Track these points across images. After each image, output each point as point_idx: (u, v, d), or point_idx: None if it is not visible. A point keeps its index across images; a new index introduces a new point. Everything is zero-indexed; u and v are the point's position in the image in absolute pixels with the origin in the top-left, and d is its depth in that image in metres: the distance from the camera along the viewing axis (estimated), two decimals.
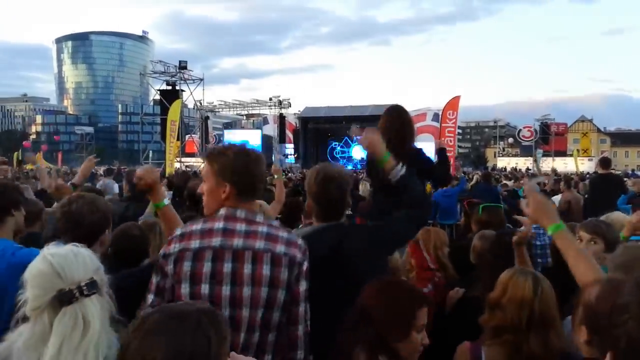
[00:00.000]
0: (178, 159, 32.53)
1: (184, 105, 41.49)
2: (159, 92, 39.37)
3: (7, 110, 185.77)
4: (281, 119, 49.24)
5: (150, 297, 2.47)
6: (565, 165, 50.94)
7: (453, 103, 23.29)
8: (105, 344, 1.78)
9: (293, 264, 2.48)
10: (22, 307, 1.81)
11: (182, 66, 39.12)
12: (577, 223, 4.15)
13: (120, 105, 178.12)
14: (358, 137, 40.88)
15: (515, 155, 71.28)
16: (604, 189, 9.81)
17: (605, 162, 10.93)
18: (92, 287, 1.83)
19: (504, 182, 16.61)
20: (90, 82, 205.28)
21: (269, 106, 52.32)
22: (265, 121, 56.66)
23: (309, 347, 2.53)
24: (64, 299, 1.78)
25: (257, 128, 58.40)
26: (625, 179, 19.38)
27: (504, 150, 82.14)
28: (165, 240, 2.84)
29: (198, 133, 48.39)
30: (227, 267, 2.42)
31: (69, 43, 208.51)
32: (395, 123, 4.91)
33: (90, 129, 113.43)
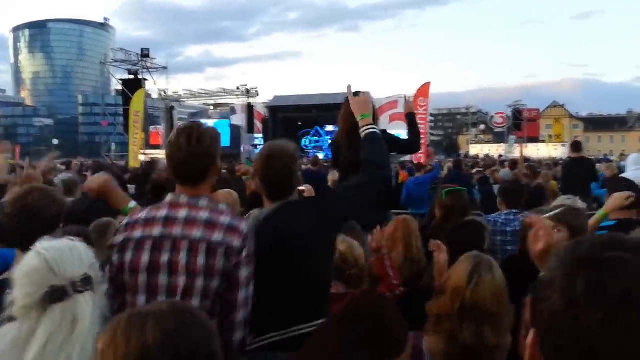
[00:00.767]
0: (142, 151, 32.19)
1: (148, 95, 41.13)
2: (120, 81, 38.90)
3: None
4: (249, 108, 48.91)
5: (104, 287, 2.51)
6: (537, 151, 51.61)
7: (423, 90, 23.35)
8: (92, 343, 1.72)
9: (231, 253, 2.49)
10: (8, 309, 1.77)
11: (145, 54, 38.69)
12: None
13: (80, 96, 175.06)
14: (328, 128, 40.65)
15: (488, 142, 72.10)
16: (577, 172, 10.00)
17: (576, 146, 11.20)
18: (86, 283, 1.81)
19: (477, 169, 16.76)
20: (48, 72, 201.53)
21: (237, 95, 51.92)
22: (232, 111, 56.28)
23: (250, 328, 2.57)
24: (55, 295, 1.75)
25: (225, 118, 57.93)
26: (597, 164, 19.77)
27: (476, 137, 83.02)
28: None
29: (163, 124, 47.95)
30: (164, 257, 2.48)
31: (26, 32, 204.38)
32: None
33: (49, 121, 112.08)
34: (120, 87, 39.55)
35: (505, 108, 63.07)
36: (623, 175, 9.46)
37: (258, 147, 51.66)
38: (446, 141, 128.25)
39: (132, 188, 9.51)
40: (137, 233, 2.55)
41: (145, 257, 2.49)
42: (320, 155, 28.24)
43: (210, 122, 57.72)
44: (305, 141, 52.84)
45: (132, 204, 3.13)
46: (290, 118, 52.55)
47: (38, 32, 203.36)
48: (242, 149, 46.69)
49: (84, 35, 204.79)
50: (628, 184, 4.74)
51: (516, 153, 45.56)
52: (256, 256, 2.63)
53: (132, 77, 37.92)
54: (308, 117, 51.03)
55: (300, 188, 4.78)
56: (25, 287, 1.75)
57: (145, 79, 38.85)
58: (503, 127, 61.25)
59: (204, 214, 2.55)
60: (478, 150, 62.25)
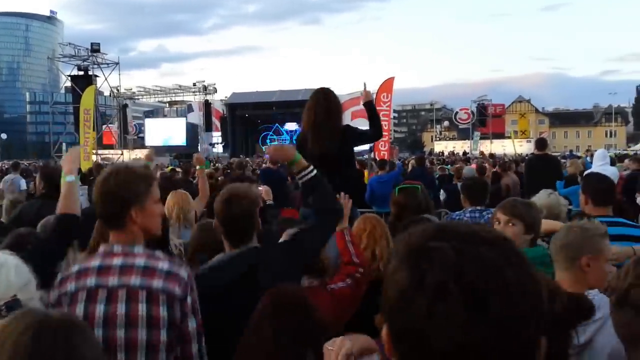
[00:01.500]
0: (95, 151, 31.71)
1: (99, 93, 40.55)
2: (69, 78, 38.27)
3: None
4: (207, 105, 48.64)
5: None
6: (503, 147, 52.29)
7: (387, 85, 23.43)
8: None
9: (173, 301, 2.41)
10: None
11: (95, 49, 38.04)
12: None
13: (27, 94, 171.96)
14: (289, 125, 40.72)
15: (453, 139, 72.75)
16: (541, 170, 10.16)
17: (541, 143, 11.36)
18: (11, 308, 1.74)
19: (441, 166, 16.97)
20: None
21: (193, 92, 51.65)
22: (189, 108, 55.84)
23: None
24: None
25: (182, 116, 57.57)
26: (563, 160, 20.11)
27: (440, 134, 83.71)
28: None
29: (116, 123, 47.38)
30: (99, 309, 2.39)
31: None
32: (322, 105, 5.16)
33: None
34: (69, 83, 38.91)
35: (470, 103, 63.82)
36: (590, 170, 9.67)
37: (215, 145, 51.50)
38: (410, 138, 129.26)
39: (83, 190, 9.38)
40: (70, 286, 2.45)
41: (79, 310, 2.39)
42: None
43: (166, 121, 57.33)
44: (265, 139, 52.80)
45: (72, 178, 3.13)
46: (249, 116, 52.45)
47: None
48: (199, 148, 46.35)
49: (30, 30, 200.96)
50: (600, 180, 4.84)
51: (482, 149, 46.20)
52: (215, 297, 2.66)
53: (81, 73, 37.30)
54: (268, 114, 50.98)
55: (259, 188, 4.80)
56: None
57: (96, 75, 38.25)
58: (468, 123, 61.94)
59: (140, 261, 2.47)
60: (443, 147, 62.82)
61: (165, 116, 61.44)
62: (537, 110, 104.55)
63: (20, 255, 2.21)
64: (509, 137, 56.16)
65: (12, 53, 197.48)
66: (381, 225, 4.20)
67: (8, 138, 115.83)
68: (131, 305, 2.37)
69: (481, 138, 57.93)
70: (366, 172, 13.38)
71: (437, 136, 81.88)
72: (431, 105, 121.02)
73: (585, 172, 9.42)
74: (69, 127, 40.51)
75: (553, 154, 18.31)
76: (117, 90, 46.06)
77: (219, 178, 12.24)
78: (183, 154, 45.78)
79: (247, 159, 35.06)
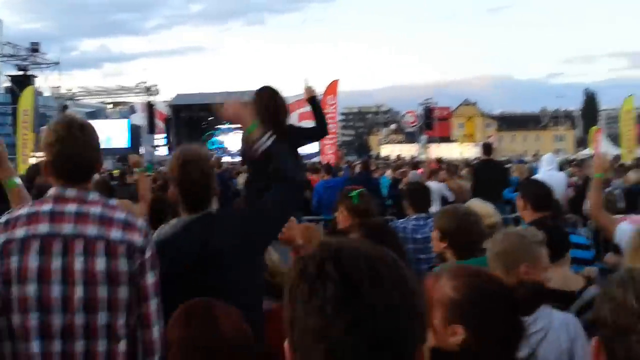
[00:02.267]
0: (33, 153, 30.95)
1: (39, 93, 39.57)
2: (8, 78, 37.39)
3: None
4: (149, 107, 47.87)
5: None
6: (450, 151, 53.02)
7: (332, 87, 23.61)
8: None
9: (132, 252, 2.32)
10: None
11: (34, 48, 37.36)
12: None
13: None
14: (234, 127, 40.32)
15: (400, 142, 73.20)
16: (487, 175, 10.32)
17: (486, 148, 11.60)
18: None
19: (388, 171, 17.03)
20: None
21: (136, 93, 50.89)
22: (132, 110, 54.89)
23: (166, 348, 2.34)
24: None
25: (124, 117, 56.55)
26: (509, 165, 20.45)
27: (387, 137, 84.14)
28: None
29: None
30: (56, 262, 2.23)
31: None
32: (267, 103, 5.08)
33: None
34: (8, 84, 37.98)
35: (416, 106, 64.39)
36: (536, 176, 9.89)
37: (158, 147, 50.76)
38: (357, 141, 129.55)
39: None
40: (20, 232, 2.26)
41: (33, 262, 2.21)
42: (227, 158, 27.99)
43: (108, 122, 56.24)
44: (210, 142, 52.29)
45: (18, 180, 3.05)
46: (194, 117, 51.85)
47: None
48: (142, 150, 45.63)
49: None
50: (539, 186, 4.98)
51: (429, 154, 46.74)
52: (174, 268, 2.55)
53: (20, 73, 36.47)
54: (212, 115, 50.46)
55: None
56: None
57: (35, 76, 37.45)
58: (414, 126, 62.47)
59: (96, 209, 2.35)
60: (389, 150, 63.23)
61: (107, 117, 60.21)
62: (483, 114, 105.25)
63: None
64: (456, 141, 57.00)
65: None
66: (316, 232, 4.12)
67: None
68: (89, 259, 2.25)
69: (428, 142, 58.59)
70: (312, 178, 13.33)
71: (384, 139, 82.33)
72: (377, 108, 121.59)
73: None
74: (7, 129, 39.46)
75: (501, 158, 18.62)
76: (58, 90, 45.06)
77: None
78: (126, 157, 45.05)
79: None
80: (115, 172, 16.60)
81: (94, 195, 2.42)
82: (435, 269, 3.69)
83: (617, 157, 18.61)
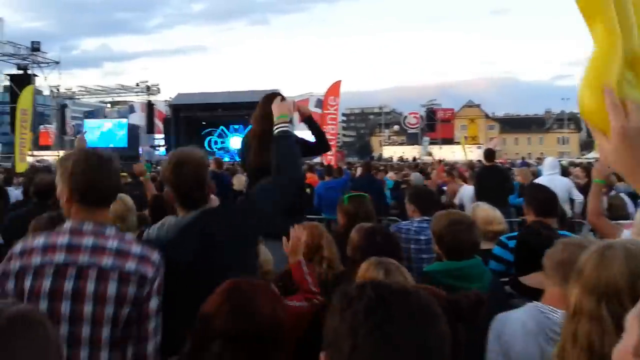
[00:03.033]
0: (31, 152, 31.03)
1: (38, 92, 39.71)
2: (8, 77, 37.51)
3: None
4: (149, 106, 48.08)
5: None
6: (453, 153, 52.93)
7: (334, 88, 23.72)
8: None
9: (143, 282, 2.49)
10: None
11: (35, 47, 37.50)
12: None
13: None
14: (234, 128, 40.26)
15: (402, 144, 73.17)
16: (490, 181, 10.29)
17: (489, 154, 11.61)
18: None
19: (390, 173, 17.04)
20: None
21: (136, 92, 50.97)
22: (131, 109, 55.09)
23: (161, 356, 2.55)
24: None
25: (123, 117, 56.67)
26: (513, 167, 20.36)
27: (389, 138, 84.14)
28: None
29: (54, 123, 46.38)
30: (68, 284, 2.41)
31: None
32: (269, 111, 5.06)
33: None
34: (8, 82, 38.11)
35: (419, 108, 64.67)
36: (538, 180, 9.87)
37: (158, 148, 50.84)
38: (359, 142, 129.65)
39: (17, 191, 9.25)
40: (36, 260, 2.45)
41: (46, 284, 2.41)
42: (226, 158, 28.01)
43: (106, 121, 56.38)
44: (210, 142, 52.31)
45: None
46: (194, 117, 51.80)
47: None
48: (140, 150, 45.72)
49: None
50: (542, 191, 4.98)
51: (432, 155, 46.74)
52: (178, 265, 2.67)
53: (21, 72, 36.59)
54: (213, 116, 50.49)
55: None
56: None
57: (36, 75, 37.58)
58: (417, 127, 62.79)
59: (113, 243, 2.51)
60: (392, 152, 63.29)
61: (106, 117, 60.33)
62: (486, 116, 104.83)
63: None
64: (459, 143, 57.01)
65: None
66: (320, 229, 4.25)
67: None
68: (101, 284, 2.41)
69: (430, 143, 58.63)
70: (310, 177, 13.38)
71: (386, 141, 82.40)
72: (380, 109, 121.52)
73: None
74: (5, 128, 39.60)
75: (506, 160, 18.61)
76: (57, 89, 45.20)
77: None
78: (124, 156, 45.10)
79: None
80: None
81: (110, 230, 2.56)
82: (427, 269, 3.80)
83: None
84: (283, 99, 3.95)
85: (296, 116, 5.26)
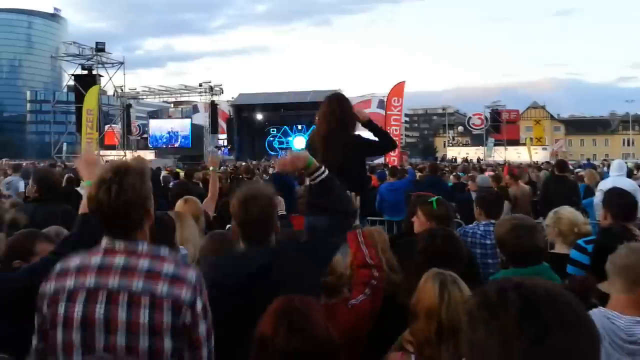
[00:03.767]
0: (96, 152, 31.82)
1: (103, 92, 40.68)
2: (73, 77, 38.53)
3: None
4: (213, 107, 48.70)
5: (34, 341, 2.38)
6: (518, 155, 52.11)
7: (398, 89, 23.63)
8: None
9: (179, 307, 2.32)
10: None
11: (100, 48, 38.36)
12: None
13: (28, 92, 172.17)
14: (298, 128, 40.68)
15: (466, 145, 72.35)
16: (557, 192, 10.30)
17: (562, 165, 11.81)
18: None
19: (455, 173, 16.78)
20: None
21: (199, 93, 51.70)
22: (195, 109, 56.07)
23: None
24: None
25: (186, 117, 57.67)
26: (578, 169, 19.98)
27: (453, 139, 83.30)
28: None
29: (119, 123, 47.51)
30: (99, 311, 2.28)
31: None
32: (335, 111, 5.18)
33: None
34: (72, 83, 39.15)
35: (483, 109, 63.78)
36: (604, 182, 9.62)
37: (222, 148, 51.53)
38: (422, 143, 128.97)
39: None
40: (70, 282, 2.35)
41: (78, 312, 2.29)
42: None
43: (170, 121, 57.48)
44: (272, 142, 52.78)
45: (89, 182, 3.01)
46: (256, 117, 52.42)
47: None
48: (204, 150, 46.39)
49: (33, 27, 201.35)
50: (621, 196, 4.80)
51: (496, 157, 46.05)
52: (230, 290, 2.66)
53: (85, 72, 37.54)
54: (275, 116, 50.95)
55: None
56: None
57: (100, 75, 38.49)
58: (481, 129, 61.91)
59: (144, 262, 2.37)
60: (456, 152, 62.71)
61: (169, 117, 61.51)
62: (552, 117, 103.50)
63: None
64: (524, 144, 55.97)
65: (14, 51, 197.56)
66: (380, 237, 4.14)
67: (6, 137, 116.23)
68: (132, 312, 2.27)
69: (495, 144, 57.88)
70: (374, 179, 13.29)
71: (450, 142, 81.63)
72: (443, 109, 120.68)
73: (600, 184, 9.42)
74: (71, 127, 40.73)
75: (572, 165, 18.19)
76: (121, 89, 46.23)
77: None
78: (187, 156, 45.85)
79: (254, 162, 35.06)
80: (179, 171, 16.94)
81: (142, 247, 2.43)
82: (493, 277, 3.77)
83: None
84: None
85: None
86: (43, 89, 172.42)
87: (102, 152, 36.96)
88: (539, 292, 1.22)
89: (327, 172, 3.31)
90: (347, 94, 5.52)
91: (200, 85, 50.84)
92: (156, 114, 66.89)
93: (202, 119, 51.79)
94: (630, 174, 12.46)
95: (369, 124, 5.56)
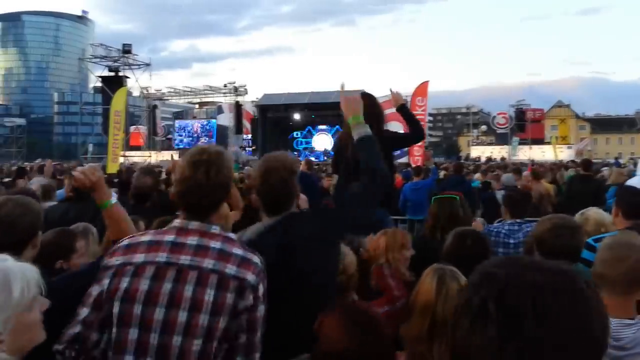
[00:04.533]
0: (122, 153, 32.09)
1: (129, 93, 40.98)
2: (100, 78, 38.89)
3: None
4: (237, 107, 48.86)
5: (84, 311, 2.38)
6: (543, 154, 51.60)
7: (422, 89, 23.57)
8: None
9: (244, 289, 2.37)
10: None
11: (126, 50, 38.73)
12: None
13: (56, 94, 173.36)
14: (320, 127, 40.56)
15: (490, 144, 71.66)
16: (582, 191, 10.27)
17: (587, 164, 11.83)
18: None
19: (478, 173, 16.67)
20: (21, 67, 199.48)
21: (224, 93, 51.98)
22: (219, 110, 56.20)
23: None
24: None
25: (211, 117, 57.89)
26: (604, 167, 19.72)
27: (477, 138, 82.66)
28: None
29: (145, 124, 47.84)
30: (166, 287, 2.35)
31: None
32: (366, 108, 5.16)
33: (21, 121, 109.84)
34: (99, 84, 39.52)
35: (507, 108, 63.27)
36: (631, 181, 9.51)
37: (247, 148, 51.66)
38: (446, 142, 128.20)
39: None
40: (139, 257, 2.41)
41: (144, 286, 2.34)
42: (312, 158, 28.11)
43: (195, 122, 57.76)
44: (297, 141, 52.79)
45: (114, 199, 3.13)
46: (280, 118, 52.42)
47: (11, 25, 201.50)
48: (229, 150, 46.60)
49: (61, 29, 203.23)
50: (634, 193, 4.76)
51: (520, 155, 45.64)
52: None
53: (112, 74, 37.88)
54: (300, 116, 50.91)
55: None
56: None
57: (127, 77, 38.82)
58: (505, 128, 61.41)
59: (216, 243, 2.44)
60: (480, 152, 62.20)
61: (194, 117, 61.78)
62: (577, 116, 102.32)
63: None
64: (549, 143, 55.41)
65: (42, 52, 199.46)
66: (402, 238, 4.18)
67: (34, 138, 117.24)
68: (199, 289, 2.34)
69: (520, 143, 57.38)
70: (398, 178, 13.26)
71: (474, 141, 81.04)
72: (467, 109, 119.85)
73: (628, 183, 9.32)
74: (97, 128, 41.10)
75: (597, 162, 17.94)
76: (147, 90, 46.60)
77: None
78: None
79: None
80: None
81: (215, 228, 2.51)
82: None
83: None
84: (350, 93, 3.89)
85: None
86: (70, 91, 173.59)
87: (127, 153, 37.32)
88: (525, 303, 1.08)
89: (369, 131, 3.38)
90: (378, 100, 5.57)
91: (225, 85, 51.11)
92: (181, 114, 67.30)
93: (227, 119, 51.98)
94: None
95: (402, 108, 5.67)
